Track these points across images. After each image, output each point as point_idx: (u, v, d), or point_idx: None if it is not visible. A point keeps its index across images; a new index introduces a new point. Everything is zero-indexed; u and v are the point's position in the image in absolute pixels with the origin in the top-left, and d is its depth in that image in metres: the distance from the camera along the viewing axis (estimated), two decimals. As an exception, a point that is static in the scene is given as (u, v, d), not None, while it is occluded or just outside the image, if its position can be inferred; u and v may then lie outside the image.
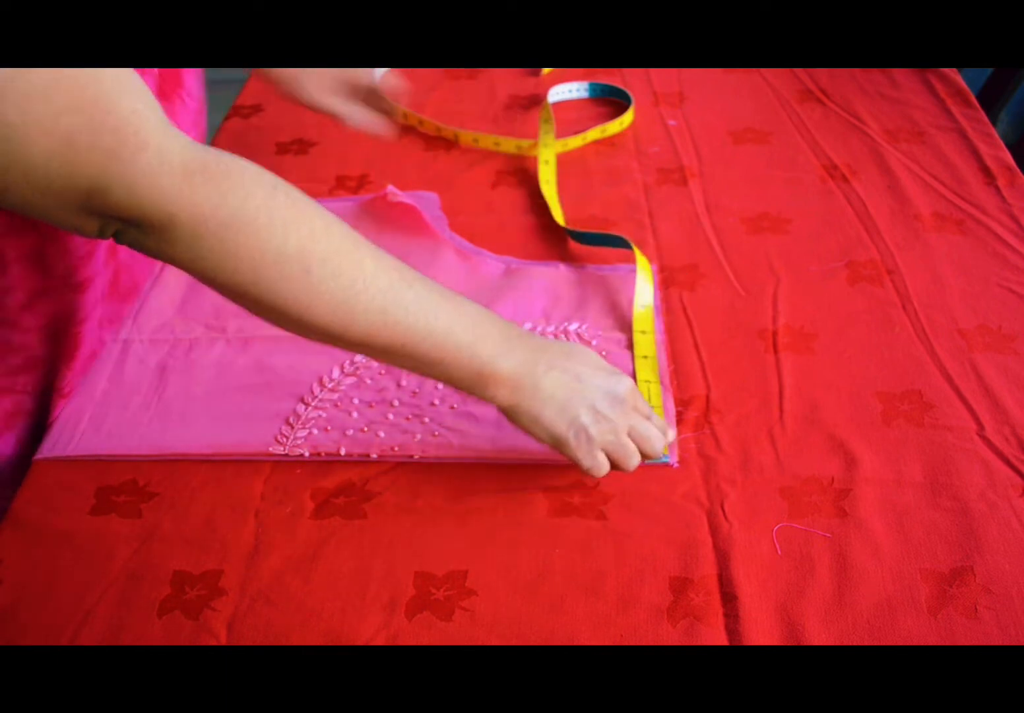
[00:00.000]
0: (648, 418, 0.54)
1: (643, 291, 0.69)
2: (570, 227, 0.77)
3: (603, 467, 0.52)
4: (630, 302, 0.69)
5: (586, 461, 0.52)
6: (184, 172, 0.41)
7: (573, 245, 0.76)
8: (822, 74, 0.96)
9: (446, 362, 0.49)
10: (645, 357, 0.64)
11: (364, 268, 0.46)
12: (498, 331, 0.50)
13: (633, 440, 0.52)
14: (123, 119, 0.39)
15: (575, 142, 0.87)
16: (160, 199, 0.41)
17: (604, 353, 0.65)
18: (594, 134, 0.88)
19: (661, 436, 0.53)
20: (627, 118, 0.89)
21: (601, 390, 0.52)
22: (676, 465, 0.58)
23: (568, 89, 0.95)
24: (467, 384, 0.50)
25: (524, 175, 0.84)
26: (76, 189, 0.40)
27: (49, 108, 0.38)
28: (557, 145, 0.85)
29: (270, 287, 0.44)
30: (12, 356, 0.60)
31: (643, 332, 0.67)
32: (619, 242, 0.72)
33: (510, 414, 0.52)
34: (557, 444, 0.52)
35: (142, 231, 0.42)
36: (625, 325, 0.68)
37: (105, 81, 0.39)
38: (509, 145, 0.86)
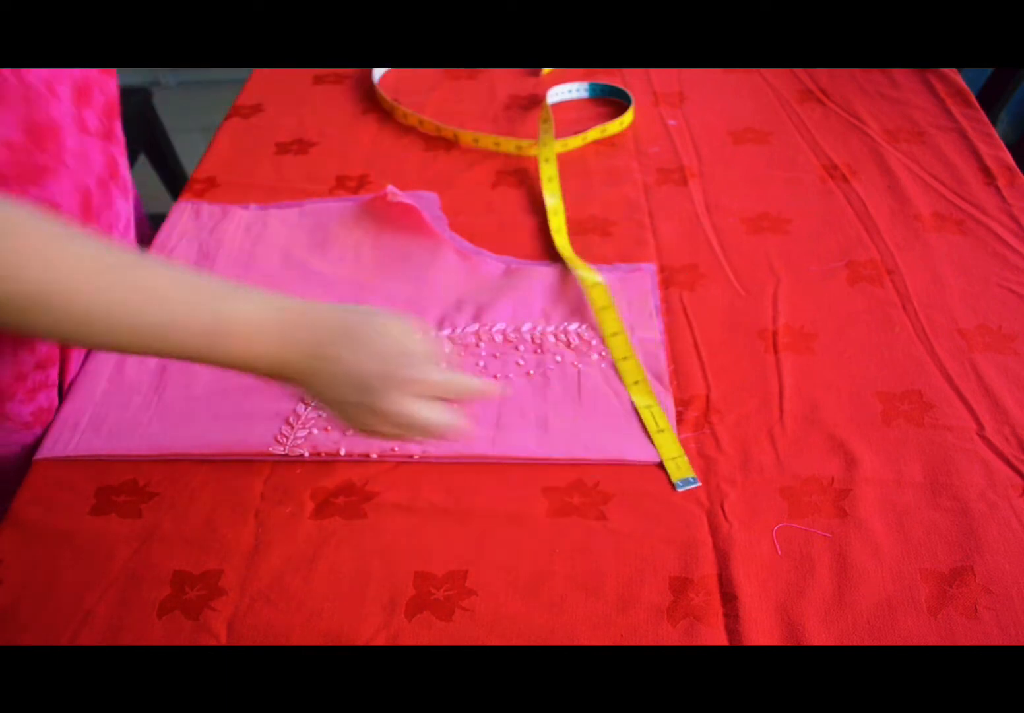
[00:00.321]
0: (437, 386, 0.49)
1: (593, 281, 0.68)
2: (570, 227, 0.77)
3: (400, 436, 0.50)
4: (630, 301, 0.69)
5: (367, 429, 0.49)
6: None
7: (573, 245, 0.76)
8: (822, 74, 0.96)
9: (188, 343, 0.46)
10: (636, 383, 0.63)
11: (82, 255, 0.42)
12: (278, 336, 0.46)
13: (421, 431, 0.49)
14: None
15: (575, 142, 0.87)
16: None
17: (604, 353, 0.65)
18: (594, 134, 0.88)
19: (444, 419, 0.49)
20: (627, 118, 0.89)
21: (363, 407, 0.48)
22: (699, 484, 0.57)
23: (568, 89, 0.95)
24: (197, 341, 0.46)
25: (524, 175, 0.84)
26: None
27: None
28: (557, 145, 0.85)
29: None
30: (42, 347, 0.61)
31: (613, 334, 0.66)
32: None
33: (271, 374, 0.49)
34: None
35: None
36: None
37: None
38: (509, 145, 0.86)
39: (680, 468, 0.57)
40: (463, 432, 0.51)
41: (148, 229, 0.83)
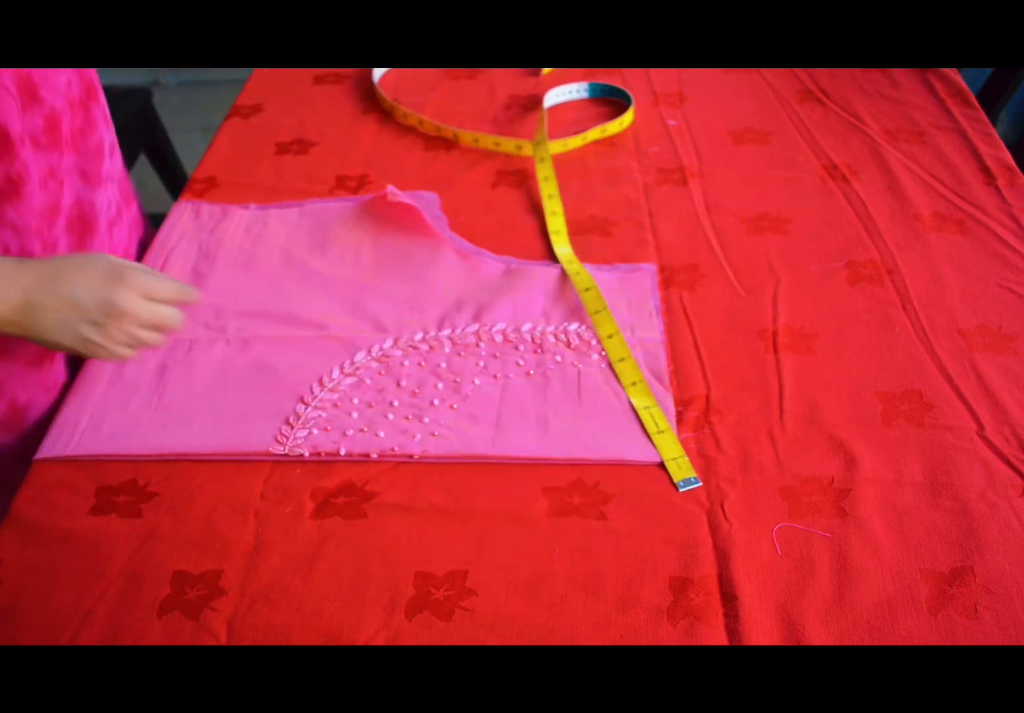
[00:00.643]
0: (155, 298, 0.58)
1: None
2: (569, 227, 0.77)
3: (128, 354, 0.58)
4: (630, 302, 0.69)
5: (108, 357, 0.58)
6: None
7: (573, 245, 0.76)
8: (822, 74, 0.96)
9: None
10: (634, 384, 0.63)
11: None
12: None
13: (152, 326, 0.58)
14: None
15: (575, 142, 0.87)
16: None
17: (603, 353, 0.65)
18: (594, 134, 0.88)
19: (172, 314, 0.59)
20: (627, 118, 0.89)
21: (99, 306, 0.55)
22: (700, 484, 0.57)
23: (568, 90, 0.95)
24: None
25: (524, 175, 0.84)
26: None
27: None
28: (557, 145, 0.85)
29: None
30: None
31: (609, 336, 0.66)
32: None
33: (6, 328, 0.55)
34: (76, 354, 0.58)
35: None
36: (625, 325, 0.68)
37: None
38: (509, 145, 0.86)
39: (682, 468, 0.57)
40: (180, 324, 0.59)
41: (148, 229, 0.83)
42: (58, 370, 0.67)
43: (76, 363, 0.68)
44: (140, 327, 0.57)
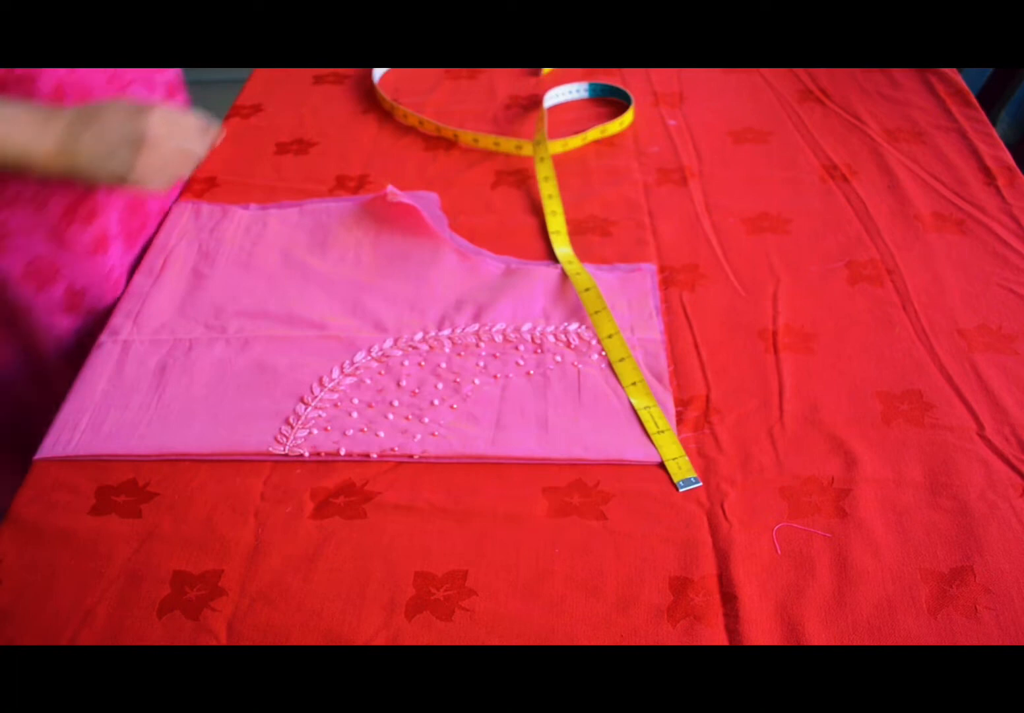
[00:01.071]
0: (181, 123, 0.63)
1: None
2: (570, 227, 0.77)
3: (162, 184, 0.63)
4: (630, 302, 0.69)
5: (145, 187, 0.63)
6: None
7: (573, 245, 0.76)
8: (822, 74, 0.96)
9: None
10: (634, 384, 0.63)
11: None
12: (30, 117, 0.57)
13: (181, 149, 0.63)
14: None
15: (575, 142, 0.87)
16: None
17: (603, 353, 0.65)
18: (594, 134, 0.88)
19: (199, 126, 0.64)
20: (627, 118, 0.89)
21: (127, 140, 0.59)
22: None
23: (568, 90, 0.95)
24: (14, 167, 0.58)
25: (524, 175, 0.84)
26: None
27: None
28: (557, 145, 0.85)
29: None
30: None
31: (609, 336, 0.66)
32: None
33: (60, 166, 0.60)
34: (117, 186, 0.63)
35: None
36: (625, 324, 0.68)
37: None
38: (509, 145, 0.86)
39: (682, 468, 0.57)
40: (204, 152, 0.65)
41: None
42: (113, 258, 0.74)
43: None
44: (170, 157, 0.62)
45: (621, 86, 0.94)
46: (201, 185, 0.85)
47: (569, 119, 0.91)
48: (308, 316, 0.70)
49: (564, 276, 0.73)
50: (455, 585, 0.52)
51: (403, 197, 0.78)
